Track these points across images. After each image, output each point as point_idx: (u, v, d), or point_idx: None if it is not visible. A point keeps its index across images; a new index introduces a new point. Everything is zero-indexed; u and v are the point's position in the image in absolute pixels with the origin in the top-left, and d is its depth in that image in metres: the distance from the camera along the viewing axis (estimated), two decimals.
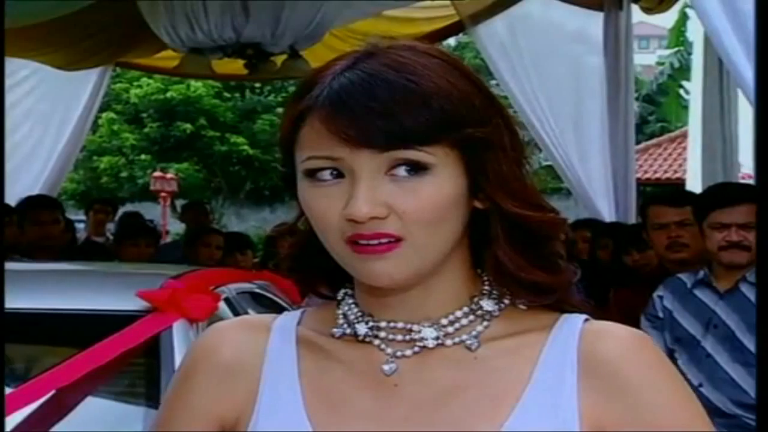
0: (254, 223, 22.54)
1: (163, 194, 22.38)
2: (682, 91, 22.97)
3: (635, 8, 6.97)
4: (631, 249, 4.78)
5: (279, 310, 3.21)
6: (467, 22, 7.38)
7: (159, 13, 6.31)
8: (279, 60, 6.89)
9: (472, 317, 1.17)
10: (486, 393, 1.13)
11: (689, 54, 18.48)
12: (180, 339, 2.50)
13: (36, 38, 6.79)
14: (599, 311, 1.22)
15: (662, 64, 25.86)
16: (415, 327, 1.16)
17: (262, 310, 3.22)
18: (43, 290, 2.82)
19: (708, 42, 5.83)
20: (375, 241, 1.08)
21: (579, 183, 7.08)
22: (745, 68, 3.27)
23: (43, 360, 2.62)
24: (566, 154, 7.08)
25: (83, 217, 9.45)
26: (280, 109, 23.21)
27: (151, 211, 17.90)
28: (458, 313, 1.16)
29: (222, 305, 2.78)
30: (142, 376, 2.59)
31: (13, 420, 2.19)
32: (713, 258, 3.48)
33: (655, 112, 25.72)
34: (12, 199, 5.88)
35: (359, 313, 1.18)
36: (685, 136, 14.70)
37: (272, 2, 6.20)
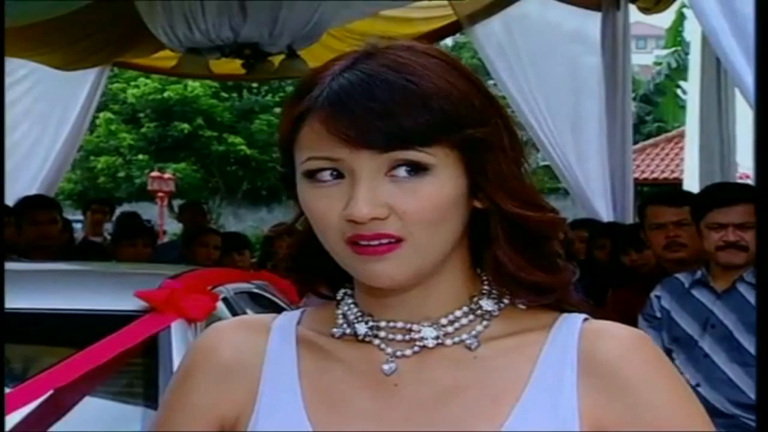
0: (251, 223, 22.56)
1: (160, 194, 22.38)
2: (679, 91, 22.96)
3: (632, 8, 6.97)
4: (629, 249, 4.79)
5: (277, 309, 3.21)
6: (464, 22, 7.38)
7: (157, 13, 6.31)
8: (277, 60, 6.89)
9: (471, 317, 1.17)
10: (486, 393, 1.13)
11: (686, 54, 18.48)
12: (178, 339, 2.50)
13: (33, 38, 6.78)
14: (597, 311, 1.22)
15: (659, 64, 25.87)
16: (415, 327, 1.16)
17: (260, 310, 3.22)
18: (41, 290, 2.82)
19: (705, 42, 5.84)
20: (375, 242, 1.08)
21: (576, 183, 7.08)
22: (743, 67, 3.28)
23: (41, 360, 2.61)
24: (564, 154, 7.08)
25: (80, 217, 9.46)
26: (277, 109, 23.21)
27: (148, 211, 17.89)
28: (458, 313, 1.16)
29: (220, 305, 2.78)
30: (140, 376, 2.59)
31: (11, 420, 2.19)
32: (710, 258, 3.48)
33: (652, 112, 25.73)
34: (9, 198, 5.87)
35: (359, 313, 1.18)
36: (682, 136, 14.70)
37: (270, 2, 6.20)
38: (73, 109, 8.24)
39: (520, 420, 1.10)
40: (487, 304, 1.17)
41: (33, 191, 7.36)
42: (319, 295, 1.24)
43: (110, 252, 6.25)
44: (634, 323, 3.50)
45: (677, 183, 13.78)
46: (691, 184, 7.02)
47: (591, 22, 6.97)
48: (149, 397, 2.47)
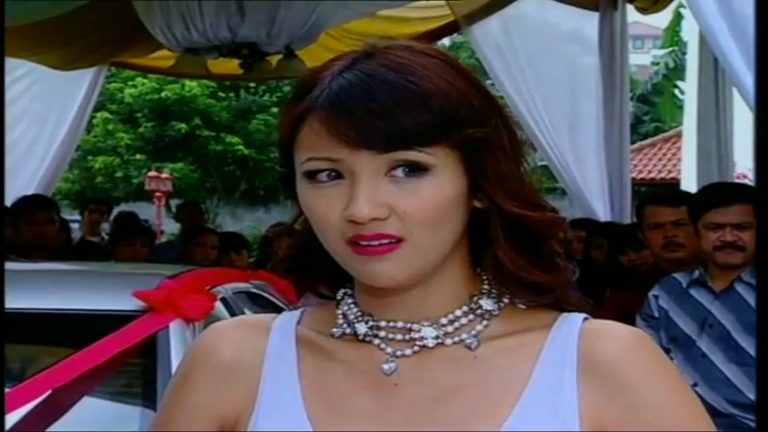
0: (249, 222, 22.53)
1: (158, 194, 22.37)
2: (676, 91, 23.00)
3: (630, 8, 6.97)
4: (627, 248, 4.79)
5: (275, 309, 3.21)
6: (462, 22, 7.38)
7: (154, 12, 6.31)
8: (274, 60, 6.89)
9: (471, 316, 1.17)
10: (486, 392, 1.13)
11: (684, 54, 18.53)
12: (176, 339, 2.50)
13: (31, 38, 6.78)
14: (595, 311, 1.22)
15: (657, 64, 25.92)
16: (415, 326, 1.16)
17: (259, 310, 3.22)
18: (39, 290, 2.82)
19: (703, 41, 5.85)
20: (376, 242, 1.08)
21: (574, 183, 7.09)
22: (741, 67, 3.28)
23: (40, 360, 2.61)
24: (561, 153, 7.09)
25: (78, 217, 9.46)
26: (275, 109, 23.21)
27: (145, 211, 17.86)
28: (458, 313, 1.17)
29: (218, 305, 2.78)
30: (138, 376, 2.59)
31: (9, 420, 2.18)
32: (708, 258, 3.48)
33: (649, 112, 25.75)
34: (7, 198, 5.86)
35: (359, 313, 1.18)
36: (679, 135, 14.72)
37: (268, 2, 6.20)
38: (70, 109, 8.24)
39: (520, 420, 1.10)
40: (486, 304, 1.17)
41: (30, 191, 7.36)
42: (319, 295, 1.24)
43: (108, 252, 6.24)
44: (631, 323, 3.48)
45: (674, 183, 13.79)
46: (689, 184, 7.02)
47: (588, 22, 6.98)
48: (148, 397, 2.46)
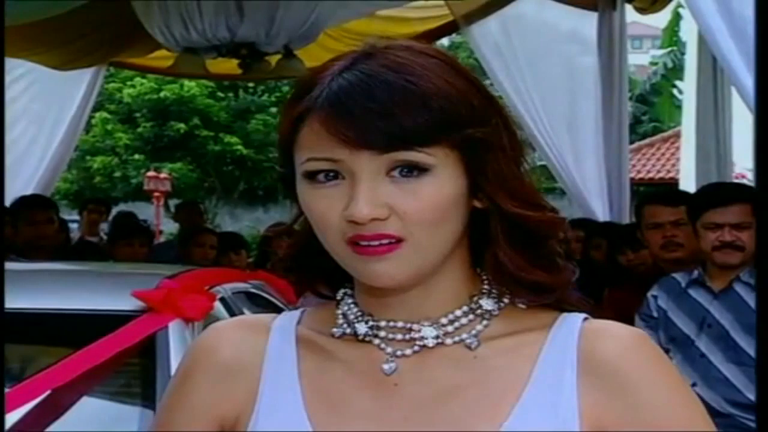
0: (248, 222, 22.53)
1: (156, 194, 22.36)
2: (675, 91, 23.02)
3: (629, 8, 6.97)
4: (626, 248, 4.79)
5: (274, 309, 3.21)
6: (461, 22, 7.38)
7: (153, 12, 6.30)
8: (273, 60, 6.88)
9: (471, 316, 1.17)
10: (486, 392, 1.13)
11: (682, 54, 18.55)
12: (176, 339, 2.50)
13: (30, 38, 6.77)
14: (595, 310, 1.22)
15: (655, 64, 25.92)
16: (415, 326, 1.16)
17: (258, 310, 3.22)
18: (38, 290, 2.82)
19: (702, 41, 5.85)
20: (376, 242, 1.08)
21: (573, 183, 7.09)
22: (740, 67, 3.28)
23: (39, 360, 2.61)
24: (560, 153, 7.09)
25: (77, 217, 9.46)
26: (273, 109, 23.21)
27: (144, 211, 17.87)
28: (458, 312, 1.17)
29: (217, 305, 2.78)
30: (137, 376, 2.59)
31: (8, 420, 2.18)
32: (707, 258, 3.49)
33: (648, 112, 25.76)
34: (6, 198, 5.86)
35: (359, 313, 1.18)
36: (677, 135, 14.73)
37: (267, 2, 6.20)
38: (69, 109, 8.24)
39: (520, 419, 1.10)
40: (487, 304, 1.17)
41: (29, 191, 7.36)
42: (319, 295, 1.24)
43: (106, 252, 6.24)
44: (630, 323, 3.48)
45: (673, 183, 13.78)
46: (687, 184, 7.02)
47: (587, 22, 6.98)
48: (147, 397, 2.46)
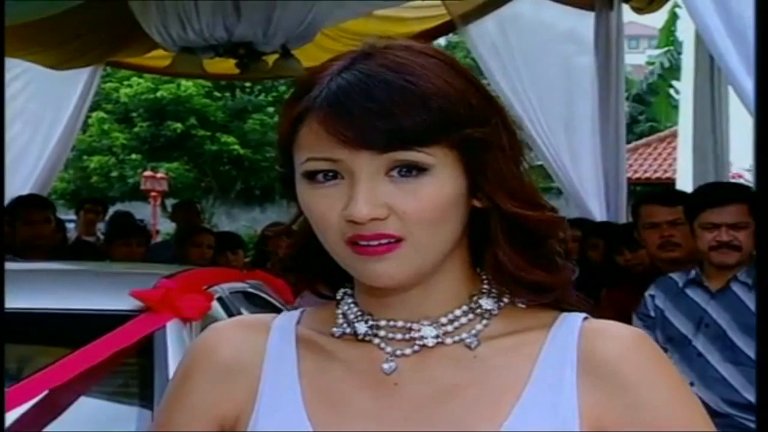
0: (245, 222, 22.51)
1: (153, 194, 22.35)
2: (671, 91, 23.03)
3: (626, 8, 6.98)
4: (623, 248, 4.79)
5: (272, 309, 3.21)
6: (458, 22, 7.38)
7: (150, 12, 6.30)
8: (271, 59, 6.88)
9: (471, 316, 1.17)
10: (485, 392, 1.13)
11: (679, 54, 18.55)
12: (173, 339, 2.49)
13: (26, 37, 6.76)
14: (594, 310, 1.22)
15: (652, 63, 25.94)
16: (415, 326, 1.16)
17: (256, 310, 3.22)
18: (36, 290, 2.81)
19: (699, 41, 5.85)
20: (375, 242, 1.08)
21: (570, 182, 7.09)
22: (737, 66, 3.28)
23: (36, 360, 2.61)
24: (557, 153, 7.08)
25: (73, 217, 9.44)
26: (270, 109, 23.22)
27: (141, 211, 17.87)
28: (457, 312, 1.16)
29: (215, 305, 2.78)
30: (135, 375, 2.59)
31: (6, 420, 2.18)
32: (704, 258, 3.49)
33: (644, 111, 25.78)
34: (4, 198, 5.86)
35: (359, 313, 1.18)
36: (674, 135, 14.74)
37: (264, 2, 6.19)
38: (66, 109, 8.22)
39: (519, 419, 1.10)
40: (486, 303, 1.17)
41: (26, 191, 7.35)
42: (319, 294, 1.24)
43: (103, 252, 6.23)
44: (628, 323, 3.48)
45: (670, 183, 13.80)
46: (684, 183, 7.03)
47: (584, 22, 6.98)
48: (144, 397, 2.46)
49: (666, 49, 23.68)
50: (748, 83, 3.16)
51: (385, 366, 1.15)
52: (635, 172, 19.90)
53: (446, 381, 1.14)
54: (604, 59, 6.84)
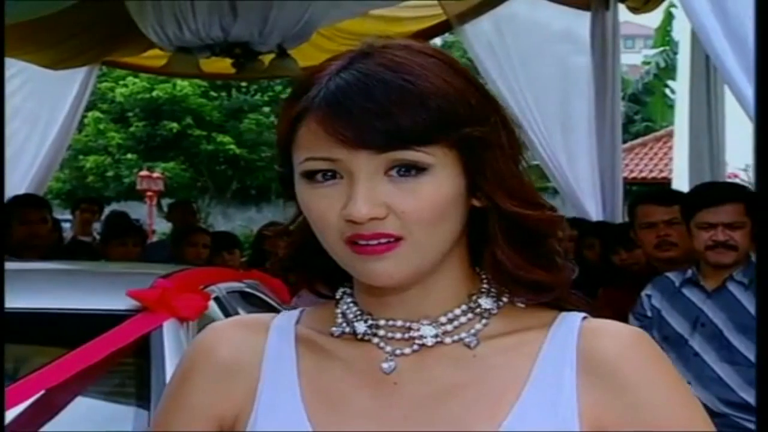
0: (241, 222, 22.52)
1: (149, 193, 22.35)
2: (667, 91, 23.03)
3: (621, 8, 6.98)
4: (619, 248, 4.79)
5: (269, 309, 3.21)
6: (454, 22, 7.38)
7: (146, 12, 6.29)
8: (267, 59, 6.87)
9: (470, 315, 1.17)
10: (485, 391, 1.13)
11: (675, 53, 18.56)
12: (170, 338, 2.49)
13: (22, 37, 6.75)
14: (592, 310, 1.22)
15: (648, 63, 25.93)
16: (414, 325, 1.16)
17: (252, 310, 3.22)
18: (33, 290, 2.81)
19: (694, 41, 5.86)
20: (374, 242, 1.08)
21: (566, 182, 7.09)
22: (733, 66, 3.28)
23: (33, 360, 2.60)
24: (553, 153, 7.09)
25: (69, 217, 9.43)
26: (266, 109, 23.21)
27: (137, 211, 17.85)
28: (457, 311, 1.16)
29: (212, 304, 2.77)
30: (132, 375, 2.58)
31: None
32: (700, 257, 3.49)
33: (640, 111, 25.78)
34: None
35: (358, 312, 1.18)
36: (670, 135, 14.76)
37: (260, 2, 6.19)
38: (61, 109, 8.21)
39: (519, 419, 1.10)
40: (486, 303, 1.17)
41: (22, 190, 7.34)
42: (318, 294, 1.24)
43: (99, 251, 6.23)
44: (624, 322, 3.50)
45: (665, 182, 13.83)
46: (680, 183, 7.04)
47: (580, 21, 6.99)
48: (141, 396, 2.46)
49: (662, 48, 23.67)
50: (745, 83, 3.16)
51: (385, 365, 1.15)
52: (631, 171, 19.91)
53: (446, 380, 1.14)
54: (600, 59, 6.84)
